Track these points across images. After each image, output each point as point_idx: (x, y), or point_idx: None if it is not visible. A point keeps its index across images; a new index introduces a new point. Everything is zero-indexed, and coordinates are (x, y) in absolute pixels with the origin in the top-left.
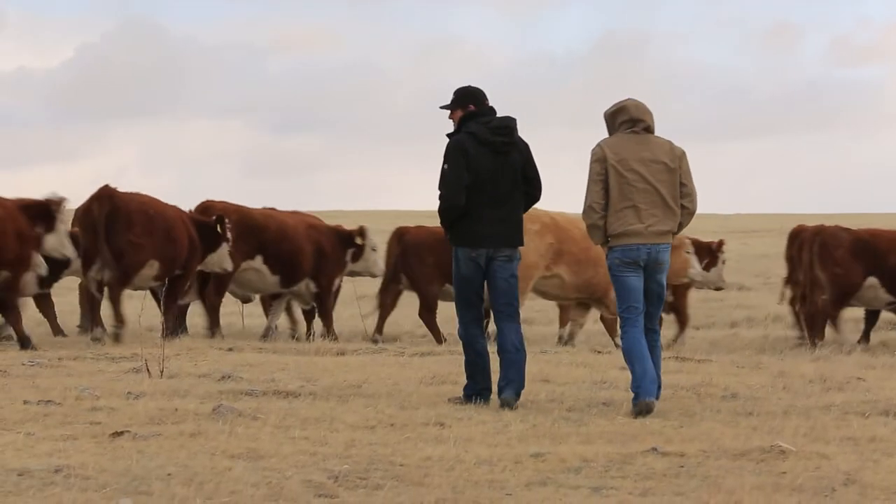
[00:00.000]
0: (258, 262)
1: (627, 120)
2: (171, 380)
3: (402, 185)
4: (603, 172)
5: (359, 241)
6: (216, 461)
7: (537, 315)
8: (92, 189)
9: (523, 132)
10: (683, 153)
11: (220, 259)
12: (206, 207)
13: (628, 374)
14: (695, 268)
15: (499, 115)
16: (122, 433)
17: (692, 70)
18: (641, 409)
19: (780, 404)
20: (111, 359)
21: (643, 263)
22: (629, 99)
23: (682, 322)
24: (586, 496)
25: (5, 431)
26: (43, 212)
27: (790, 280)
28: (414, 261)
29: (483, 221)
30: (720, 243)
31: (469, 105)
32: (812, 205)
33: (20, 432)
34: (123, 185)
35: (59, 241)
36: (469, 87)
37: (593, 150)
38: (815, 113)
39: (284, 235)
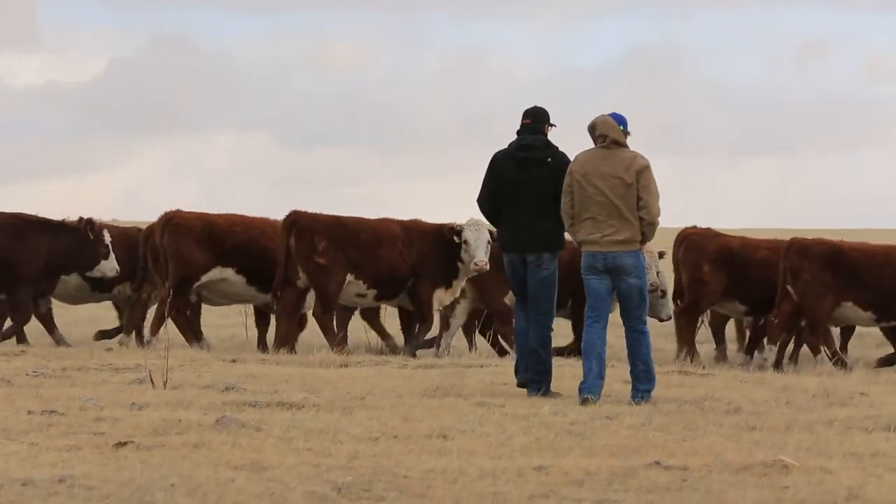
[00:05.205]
0: None
1: (599, 135)
2: (175, 391)
3: (433, 197)
4: (571, 185)
5: None
6: (219, 472)
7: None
8: (115, 200)
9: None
10: (644, 168)
11: None
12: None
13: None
14: None
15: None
16: (125, 444)
17: (721, 84)
18: (583, 402)
19: (783, 419)
20: (115, 369)
21: (602, 269)
22: (599, 116)
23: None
24: None
25: (9, 441)
26: None
27: None
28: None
29: (511, 228)
30: None
31: (526, 120)
32: (846, 219)
33: (24, 442)
34: (146, 197)
35: None
36: (536, 106)
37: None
38: (846, 129)
39: None
